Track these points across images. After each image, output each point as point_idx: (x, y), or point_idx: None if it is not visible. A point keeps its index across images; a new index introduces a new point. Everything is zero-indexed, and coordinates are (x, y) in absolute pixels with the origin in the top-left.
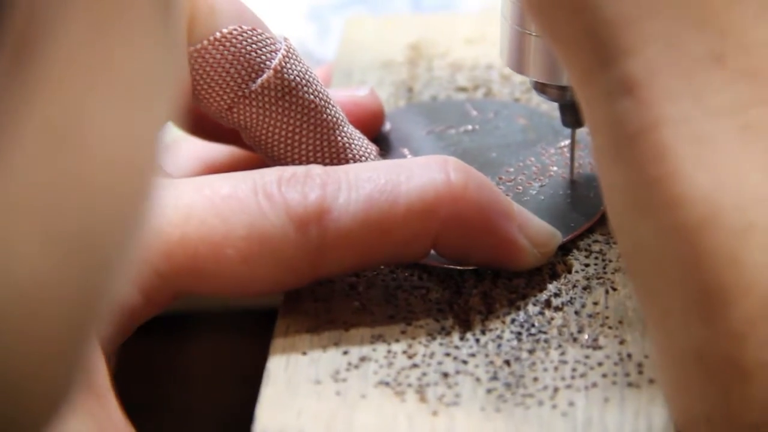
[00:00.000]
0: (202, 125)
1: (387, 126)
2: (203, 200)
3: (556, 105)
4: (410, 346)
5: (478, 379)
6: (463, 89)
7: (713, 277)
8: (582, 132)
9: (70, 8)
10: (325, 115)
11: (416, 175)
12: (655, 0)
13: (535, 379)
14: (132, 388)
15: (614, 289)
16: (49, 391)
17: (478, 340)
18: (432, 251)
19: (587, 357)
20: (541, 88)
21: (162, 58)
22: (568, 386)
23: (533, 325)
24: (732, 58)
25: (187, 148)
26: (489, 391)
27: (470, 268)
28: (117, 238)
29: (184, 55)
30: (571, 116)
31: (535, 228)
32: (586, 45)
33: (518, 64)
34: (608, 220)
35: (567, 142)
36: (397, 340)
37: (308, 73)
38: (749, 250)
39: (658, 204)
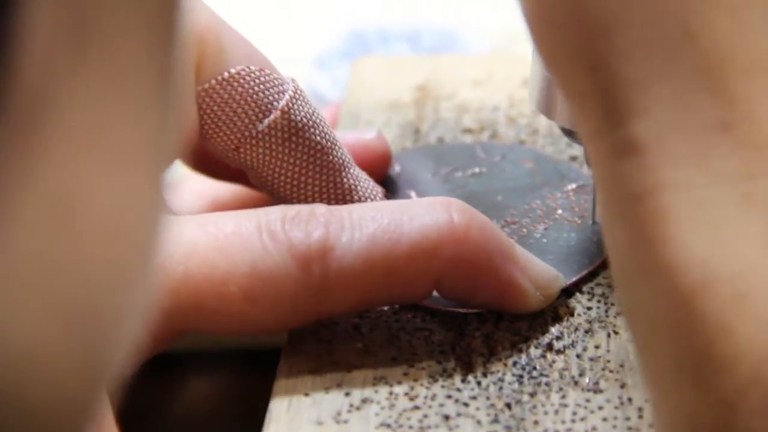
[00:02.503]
0: (208, 164)
1: (395, 168)
2: (207, 237)
3: (562, 148)
4: (412, 388)
5: (479, 422)
6: (469, 131)
7: (705, 345)
8: (590, 178)
9: (73, 81)
10: (331, 157)
11: (419, 215)
12: (668, 64)
13: (536, 423)
14: (133, 428)
15: (616, 333)
16: None
17: (479, 383)
18: (435, 293)
19: (588, 401)
20: (568, 132)
21: (161, 128)
22: (569, 430)
23: (535, 368)
24: (739, 127)
25: (193, 186)
26: None
27: (473, 311)
28: (119, 305)
29: (192, 95)
30: None
31: (537, 271)
32: (598, 103)
33: (546, 108)
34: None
35: (573, 186)
36: (399, 382)
37: (315, 114)
38: (742, 320)
39: (655, 266)
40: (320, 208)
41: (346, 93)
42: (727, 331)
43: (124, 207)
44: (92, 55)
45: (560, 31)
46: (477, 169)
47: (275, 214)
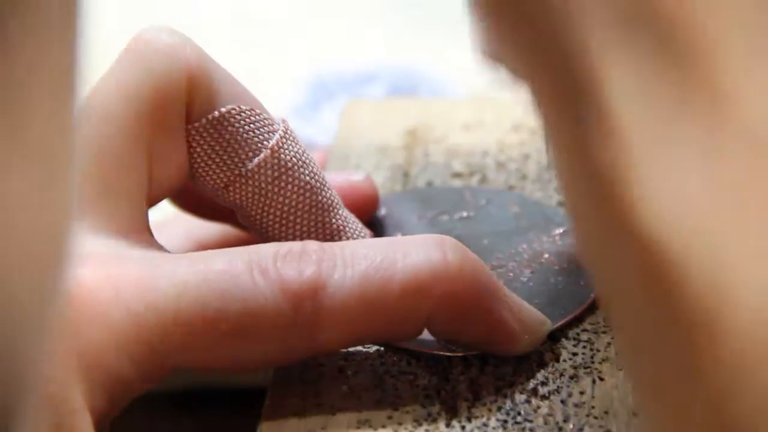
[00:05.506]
0: (197, 203)
1: (382, 211)
2: (198, 275)
3: (551, 194)
4: (396, 431)
5: None
6: (458, 175)
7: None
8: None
9: None
10: (320, 197)
11: (413, 253)
12: (625, 30)
13: None
14: None
15: (601, 379)
16: None
17: (464, 428)
18: (421, 335)
19: None
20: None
21: (68, 133)
22: None
23: (519, 414)
24: (697, 82)
25: (181, 227)
26: None
27: (459, 354)
28: (30, 306)
29: (182, 134)
30: None
31: (526, 314)
32: (557, 75)
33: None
34: (598, 311)
35: (559, 230)
36: (384, 426)
37: (305, 154)
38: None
39: (626, 237)
40: (312, 245)
41: (336, 136)
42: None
43: (41, 200)
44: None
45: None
46: (464, 213)
47: (267, 251)
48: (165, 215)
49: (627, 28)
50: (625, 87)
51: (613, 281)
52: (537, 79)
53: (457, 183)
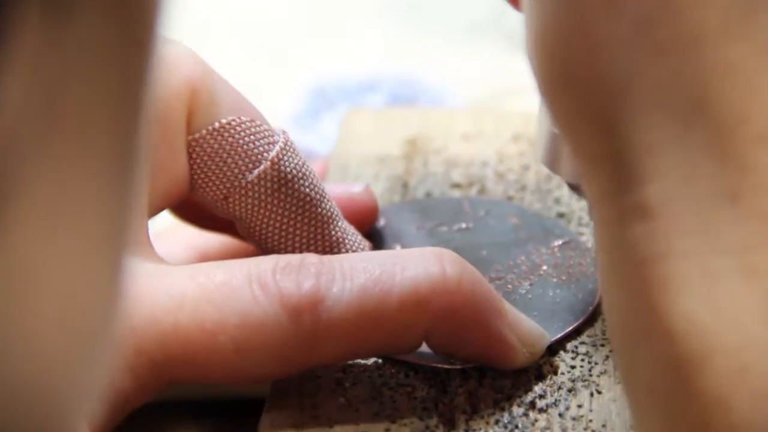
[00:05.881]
0: (197, 214)
1: (381, 221)
2: (197, 288)
3: (550, 205)
4: None
5: None
6: (457, 186)
7: (701, 416)
8: (575, 233)
9: (40, 161)
10: (320, 209)
11: (411, 266)
12: (680, 130)
13: None
14: None
15: (599, 393)
16: None
17: None
18: (420, 348)
19: None
20: (573, 187)
21: (121, 211)
22: None
23: (517, 427)
24: (747, 196)
25: (181, 236)
26: None
27: (457, 366)
28: (66, 383)
29: (183, 145)
30: None
31: (524, 328)
32: (608, 166)
33: (552, 164)
34: (596, 323)
35: (558, 242)
36: None
37: (305, 166)
38: (739, 393)
39: (655, 333)
40: (311, 258)
41: (335, 146)
42: (724, 403)
43: (79, 284)
44: (59, 136)
45: (573, 93)
46: (463, 224)
47: (266, 264)
48: (165, 224)
49: (683, 127)
50: (672, 188)
51: (636, 365)
52: (591, 173)
53: (456, 194)
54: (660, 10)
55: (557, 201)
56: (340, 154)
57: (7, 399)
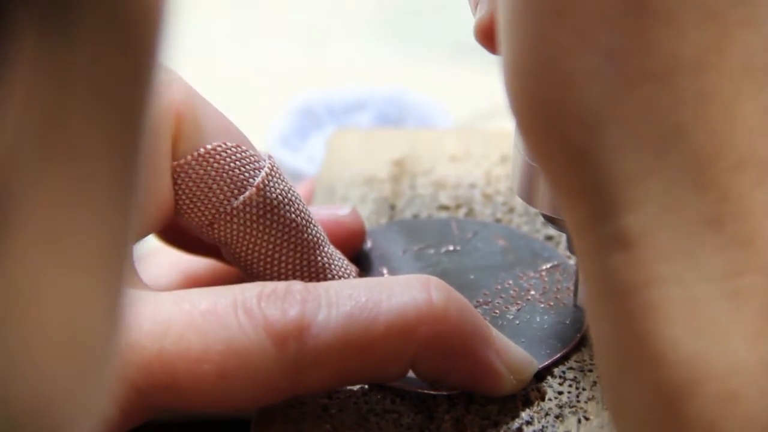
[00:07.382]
0: (182, 238)
1: (368, 244)
2: (182, 315)
3: (538, 228)
4: None
5: None
6: (445, 208)
7: None
8: (563, 256)
9: (39, 184)
10: (306, 235)
11: (397, 294)
12: (658, 159)
13: None
14: None
15: (587, 419)
16: None
17: None
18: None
19: None
20: (549, 219)
21: (121, 234)
22: None
23: None
24: (728, 223)
25: (166, 258)
26: None
27: (443, 393)
28: (69, 404)
29: (168, 170)
30: None
31: (512, 355)
32: (586, 197)
33: (528, 196)
34: (584, 349)
35: (547, 265)
36: None
37: (291, 191)
38: (729, 420)
39: (643, 362)
40: (297, 285)
41: (322, 167)
42: (715, 430)
43: (78, 310)
44: (58, 159)
45: (547, 125)
46: (450, 247)
47: (251, 291)
48: (150, 246)
49: (659, 157)
50: (652, 216)
51: (624, 393)
52: (569, 204)
53: (443, 216)
54: (632, 41)
55: (545, 223)
56: (327, 175)
57: (8, 424)
